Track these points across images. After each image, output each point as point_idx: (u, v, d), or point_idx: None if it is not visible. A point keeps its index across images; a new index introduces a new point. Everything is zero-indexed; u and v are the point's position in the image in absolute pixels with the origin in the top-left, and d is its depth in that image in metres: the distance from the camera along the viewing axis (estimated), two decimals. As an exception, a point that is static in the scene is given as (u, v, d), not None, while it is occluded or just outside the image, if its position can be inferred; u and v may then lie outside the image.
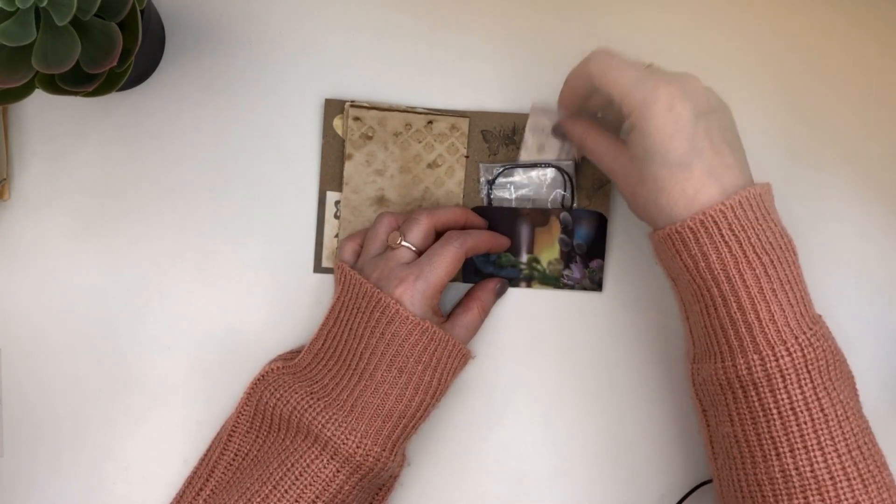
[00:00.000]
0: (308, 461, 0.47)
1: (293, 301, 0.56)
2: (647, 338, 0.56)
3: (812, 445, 0.43)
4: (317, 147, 0.56)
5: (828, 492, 0.42)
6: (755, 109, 0.57)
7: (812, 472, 0.43)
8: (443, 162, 0.56)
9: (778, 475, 0.43)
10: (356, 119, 0.55)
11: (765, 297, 0.43)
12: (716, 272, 0.44)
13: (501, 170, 0.56)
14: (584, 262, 0.56)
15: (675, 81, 0.45)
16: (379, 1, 0.57)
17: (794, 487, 0.43)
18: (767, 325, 0.43)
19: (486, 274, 0.56)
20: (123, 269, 0.56)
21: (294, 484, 0.47)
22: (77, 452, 0.55)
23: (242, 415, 0.52)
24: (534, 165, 0.56)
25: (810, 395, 0.43)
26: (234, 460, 0.52)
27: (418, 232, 0.51)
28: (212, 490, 0.52)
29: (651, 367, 0.56)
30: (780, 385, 0.43)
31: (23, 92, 0.47)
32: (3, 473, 0.55)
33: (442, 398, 0.51)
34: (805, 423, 0.43)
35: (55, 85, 0.46)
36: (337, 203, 0.56)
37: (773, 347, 0.43)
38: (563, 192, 0.56)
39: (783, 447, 0.43)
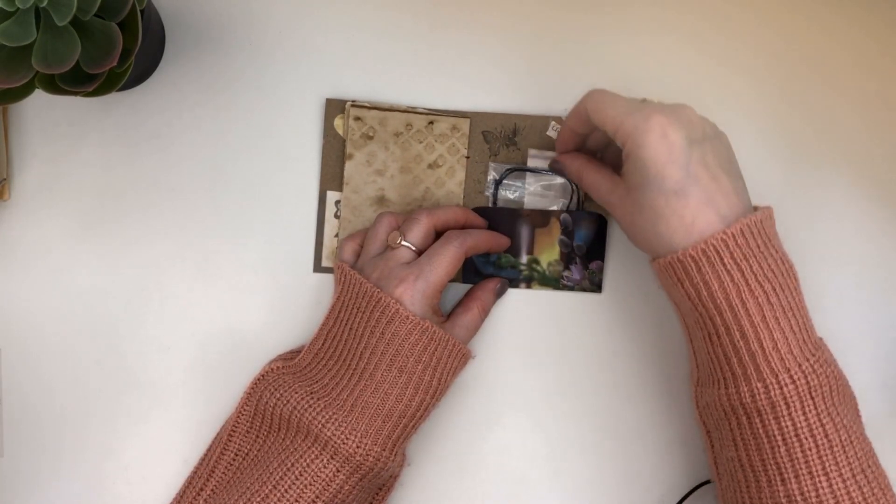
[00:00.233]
0: (308, 461, 0.47)
1: (293, 301, 0.56)
2: (646, 339, 0.56)
3: (817, 471, 0.43)
4: (317, 147, 0.56)
5: None
6: (756, 109, 0.57)
7: (817, 497, 0.43)
8: (443, 162, 0.56)
9: (783, 500, 0.44)
10: (357, 119, 0.55)
11: (767, 325, 0.43)
12: (718, 301, 0.44)
13: (510, 171, 0.56)
14: (583, 264, 0.56)
15: (668, 111, 0.45)
16: (380, 1, 0.57)
17: None
18: (771, 353, 0.43)
19: (486, 274, 0.56)
20: (123, 269, 0.56)
21: (294, 484, 0.47)
22: (77, 452, 0.55)
23: (242, 415, 0.52)
24: (542, 171, 0.56)
25: (814, 422, 0.43)
26: (234, 460, 0.52)
27: (418, 232, 0.51)
28: (212, 490, 0.52)
29: (650, 368, 0.56)
30: (785, 412, 0.43)
31: (23, 92, 0.47)
32: (3, 473, 0.55)
33: (442, 398, 0.51)
34: (809, 448, 0.43)
35: (55, 85, 0.46)
36: (337, 203, 0.56)
37: (777, 375, 0.43)
38: (567, 201, 0.56)
39: (788, 473, 0.43)
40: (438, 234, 0.52)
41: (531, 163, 0.55)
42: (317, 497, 0.47)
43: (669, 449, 0.55)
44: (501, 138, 0.56)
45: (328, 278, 0.56)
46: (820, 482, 0.43)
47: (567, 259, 0.56)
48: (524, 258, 0.56)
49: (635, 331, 0.56)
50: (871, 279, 0.56)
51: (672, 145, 0.44)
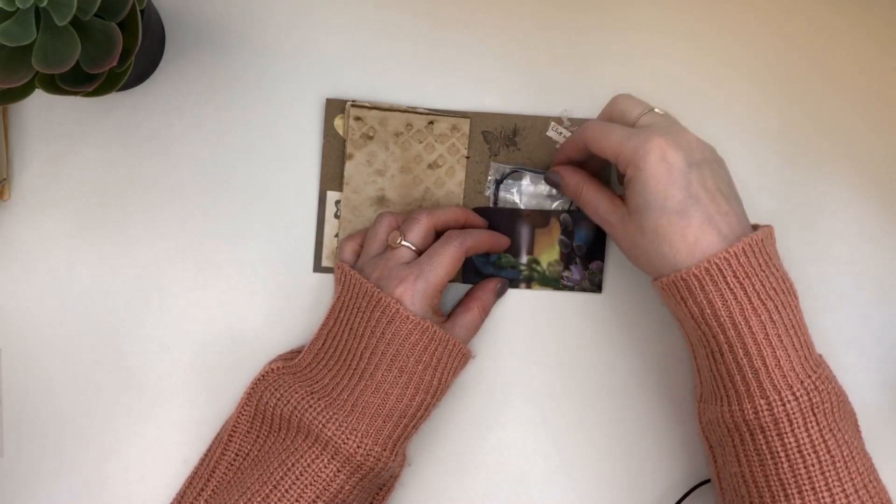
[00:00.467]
0: (308, 461, 0.47)
1: (293, 300, 0.56)
2: (645, 339, 0.56)
3: (820, 487, 0.43)
4: (317, 147, 0.56)
5: None
6: (756, 109, 0.57)
7: None
8: (443, 162, 0.56)
9: None
10: (357, 119, 0.55)
11: (770, 342, 0.44)
12: (721, 319, 0.44)
13: (511, 171, 0.56)
14: (583, 264, 0.56)
15: (666, 133, 0.46)
16: (380, 1, 0.57)
17: None
18: (773, 371, 0.44)
19: (486, 274, 0.56)
20: (123, 269, 0.56)
21: (294, 484, 0.47)
22: (77, 452, 0.55)
23: (243, 415, 0.52)
24: (543, 172, 0.56)
25: (817, 438, 0.44)
26: (234, 460, 0.52)
27: (418, 231, 0.51)
28: (213, 490, 0.52)
29: (650, 368, 0.56)
30: (787, 429, 0.44)
31: (23, 92, 0.47)
32: (3, 473, 0.55)
33: (442, 398, 0.51)
34: (812, 464, 0.43)
35: (55, 85, 0.46)
36: (337, 203, 0.56)
37: (780, 392, 0.44)
38: (569, 202, 0.56)
39: (791, 489, 0.44)
40: (438, 234, 0.52)
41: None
42: (317, 497, 0.47)
43: (669, 448, 0.55)
44: (501, 138, 0.56)
45: (328, 278, 0.56)
46: (823, 497, 0.43)
47: (567, 259, 0.56)
48: (524, 258, 0.56)
49: (635, 331, 0.56)
50: (871, 279, 0.56)
51: (672, 167, 0.45)
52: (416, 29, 0.56)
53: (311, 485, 0.47)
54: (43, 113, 0.56)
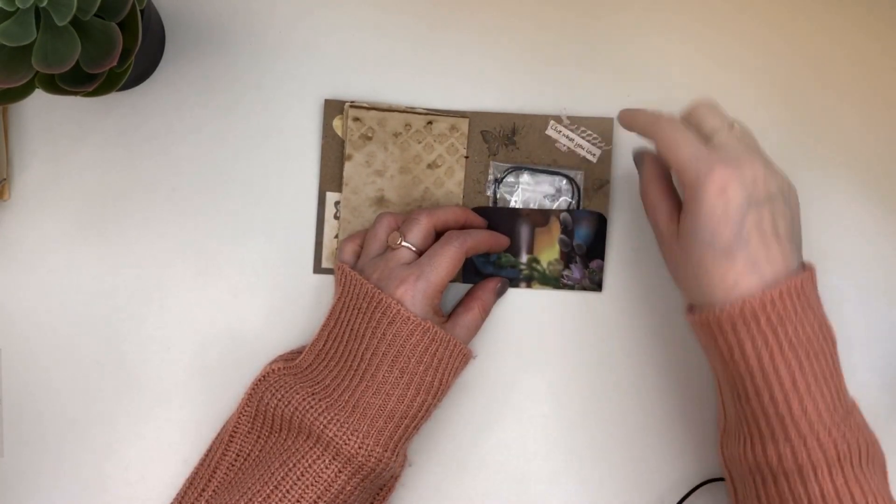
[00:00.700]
0: (310, 462, 0.47)
1: (293, 301, 0.56)
2: (646, 338, 0.56)
3: None
4: (316, 148, 0.56)
5: None
6: (757, 109, 0.57)
7: None
8: (442, 162, 0.56)
9: None
10: (356, 119, 0.55)
11: (798, 391, 0.43)
12: (750, 362, 0.44)
13: (510, 170, 0.56)
14: (583, 263, 0.56)
15: (733, 164, 0.44)
16: (379, 1, 0.57)
17: None
18: (800, 419, 0.43)
19: (486, 274, 0.56)
20: (123, 269, 0.56)
21: (296, 484, 0.47)
22: (77, 452, 0.55)
23: (244, 415, 0.52)
24: (543, 171, 0.56)
25: (842, 487, 0.43)
26: (235, 461, 0.52)
27: (418, 232, 0.51)
28: (213, 491, 0.52)
29: (650, 367, 0.56)
30: (811, 476, 0.43)
31: (23, 92, 0.47)
32: (3, 473, 0.55)
33: (443, 398, 0.51)
34: None
35: (55, 85, 0.46)
36: (337, 204, 0.56)
37: (805, 440, 0.43)
38: (569, 200, 0.56)
39: None
40: (438, 235, 0.52)
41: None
42: (318, 498, 0.47)
43: (670, 448, 0.55)
44: (500, 138, 0.56)
45: (328, 279, 0.56)
46: None
47: (567, 258, 0.56)
48: (524, 257, 0.56)
49: (636, 330, 0.56)
50: (871, 279, 0.56)
51: (728, 204, 0.43)
52: (414, 29, 0.57)
53: (312, 485, 0.47)
54: (43, 113, 0.56)
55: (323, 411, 0.48)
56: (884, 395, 0.56)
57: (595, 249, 0.56)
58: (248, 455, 0.51)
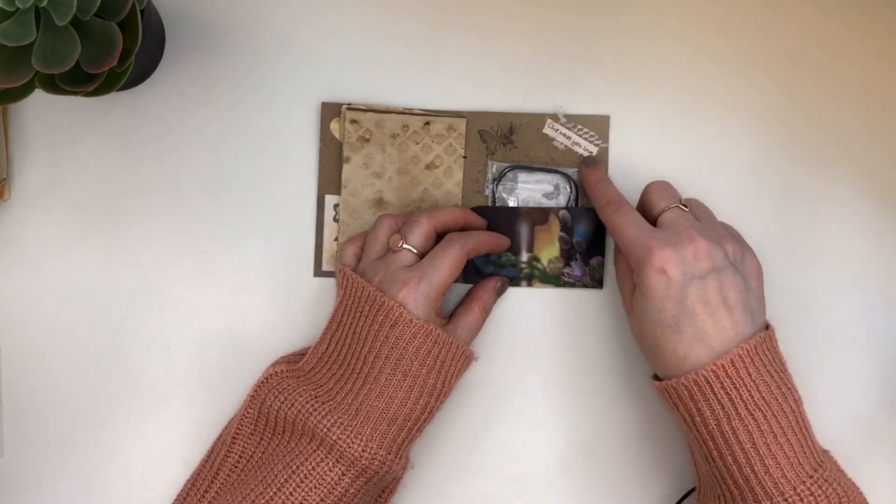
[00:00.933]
0: (313, 464, 0.47)
1: (294, 304, 0.56)
2: (647, 337, 0.56)
3: None
4: (315, 150, 0.56)
5: None
6: (757, 109, 0.57)
7: None
8: (441, 163, 0.56)
9: None
10: (353, 122, 0.55)
11: (758, 451, 0.45)
12: (710, 427, 0.45)
13: (508, 169, 0.56)
14: (584, 260, 0.56)
15: (671, 243, 0.47)
16: (375, 4, 0.57)
17: None
18: (764, 479, 0.45)
19: (487, 274, 0.56)
20: (123, 269, 0.56)
21: (299, 486, 0.47)
22: (77, 452, 0.55)
23: (246, 417, 0.52)
24: (541, 169, 0.56)
25: None
26: (237, 463, 0.52)
27: (419, 234, 0.51)
28: (216, 492, 0.52)
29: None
30: None
31: (23, 92, 0.47)
32: (3, 473, 0.55)
33: (446, 400, 0.51)
34: None
35: (55, 85, 0.46)
36: (336, 206, 0.56)
37: (772, 499, 0.44)
38: (567, 197, 0.56)
39: None
40: (439, 236, 0.52)
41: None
42: (321, 500, 0.47)
43: (672, 448, 0.55)
44: (498, 137, 0.56)
45: (328, 282, 0.56)
46: None
47: (567, 256, 0.56)
48: (524, 256, 0.56)
49: (635, 330, 0.56)
50: (871, 279, 0.56)
51: (669, 281, 0.46)
52: (411, 30, 0.56)
53: (315, 488, 0.47)
54: (43, 113, 0.56)
55: (326, 414, 0.48)
56: (884, 395, 0.56)
57: (595, 246, 0.56)
58: (251, 457, 0.51)
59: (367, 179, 0.55)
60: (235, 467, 0.52)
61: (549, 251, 0.56)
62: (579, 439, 0.56)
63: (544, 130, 0.56)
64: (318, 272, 0.56)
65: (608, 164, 0.56)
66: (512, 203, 0.56)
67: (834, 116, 0.57)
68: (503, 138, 0.56)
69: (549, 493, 0.55)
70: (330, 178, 0.56)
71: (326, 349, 0.51)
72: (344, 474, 0.47)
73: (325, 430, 0.47)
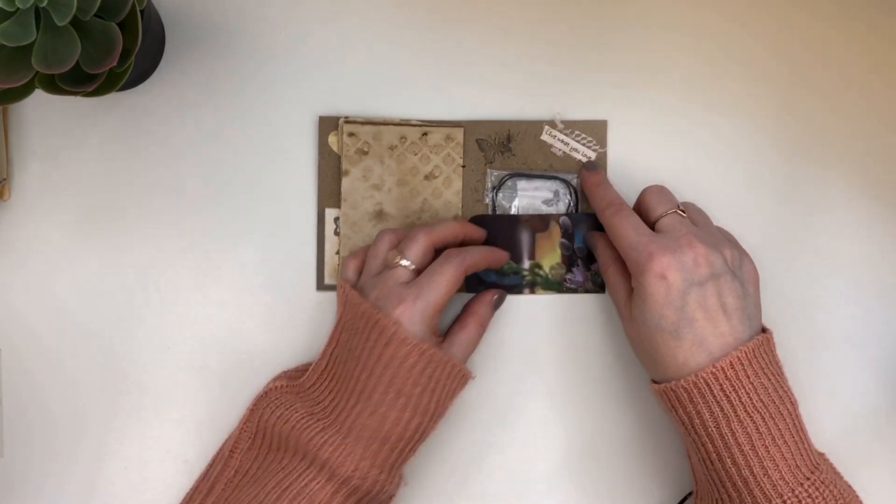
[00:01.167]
0: (305, 482, 0.47)
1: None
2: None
3: None
4: (314, 163, 0.56)
5: None
6: (757, 108, 0.57)
7: None
8: (440, 173, 0.55)
9: None
10: (351, 135, 0.55)
11: (757, 453, 0.45)
12: (709, 429, 0.46)
13: (507, 177, 0.56)
14: (585, 265, 0.56)
15: (671, 249, 0.47)
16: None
17: None
18: (762, 480, 0.45)
19: (490, 283, 0.55)
20: (123, 270, 0.56)
21: None
22: (77, 453, 0.55)
23: (244, 431, 0.52)
24: (540, 176, 0.56)
25: None
26: (233, 478, 0.51)
27: (417, 250, 0.50)
28: None
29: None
30: None
31: (23, 92, 0.47)
32: (3, 473, 0.55)
33: (440, 420, 0.50)
34: None
35: (55, 85, 0.46)
36: (336, 220, 0.56)
37: (770, 501, 0.45)
38: (567, 203, 0.56)
39: None
40: (438, 251, 0.52)
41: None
42: None
43: (672, 451, 0.55)
44: (496, 145, 0.56)
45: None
46: None
47: (569, 262, 0.56)
48: (526, 264, 0.56)
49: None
50: (871, 279, 0.56)
51: (669, 288, 0.46)
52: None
53: None
54: (43, 113, 0.56)
55: (319, 432, 0.48)
56: (883, 396, 0.56)
57: (596, 251, 0.56)
58: (247, 472, 0.51)
59: (367, 192, 0.55)
60: (231, 482, 0.51)
61: (550, 258, 0.56)
62: (582, 442, 0.56)
63: (542, 137, 0.56)
64: (321, 286, 0.56)
65: (607, 168, 0.56)
66: (512, 211, 0.56)
67: (835, 115, 0.57)
68: (501, 146, 0.56)
69: (551, 494, 0.55)
70: (330, 192, 0.55)
71: (326, 366, 0.51)
72: (335, 493, 0.47)
73: (317, 447, 0.47)
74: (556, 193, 0.56)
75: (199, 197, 0.56)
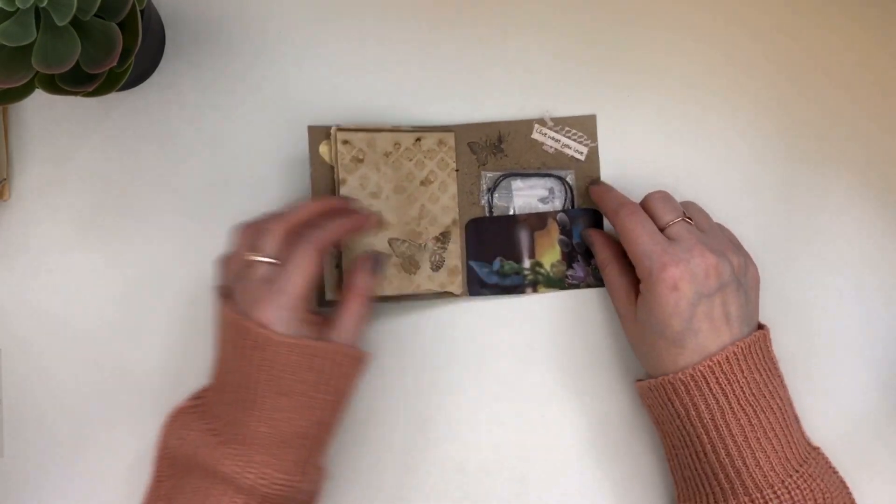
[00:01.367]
0: (216, 499, 0.46)
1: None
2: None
3: None
4: (307, 173, 0.55)
5: None
6: (757, 108, 0.57)
7: None
8: (435, 178, 0.55)
9: None
10: (345, 142, 0.54)
11: (750, 445, 0.46)
12: (705, 421, 0.47)
13: (502, 178, 0.56)
14: (585, 260, 0.56)
15: (684, 261, 0.47)
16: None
17: None
18: (754, 471, 0.46)
19: (491, 285, 0.55)
20: (123, 269, 0.56)
21: None
22: (77, 452, 0.55)
23: (162, 459, 0.50)
24: (534, 175, 0.56)
25: None
26: None
27: (271, 241, 0.47)
28: None
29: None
30: None
31: (23, 92, 0.47)
32: (3, 473, 0.55)
33: (346, 407, 0.49)
34: None
35: (55, 85, 0.46)
36: None
37: (762, 491, 0.46)
38: (563, 200, 0.56)
39: None
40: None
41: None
42: None
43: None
44: (488, 147, 0.56)
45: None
46: None
47: (569, 258, 0.56)
48: (527, 263, 0.56)
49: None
50: (872, 279, 0.56)
51: (679, 300, 0.47)
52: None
53: None
54: (43, 113, 0.56)
55: (216, 447, 0.46)
56: (884, 395, 0.56)
57: (595, 246, 0.56)
58: (170, 499, 0.49)
59: (365, 201, 0.54)
60: None
61: (550, 255, 0.56)
62: (576, 440, 0.56)
63: (533, 136, 0.56)
64: (322, 303, 0.54)
65: (598, 162, 0.56)
66: (509, 211, 0.56)
67: (835, 115, 0.57)
68: (493, 148, 0.56)
69: (550, 494, 0.55)
70: None
71: (219, 381, 0.49)
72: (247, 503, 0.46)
73: (218, 462, 0.46)
74: (552, 191, 0.56)
75: (198, 197, 0.56)
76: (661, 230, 0.50)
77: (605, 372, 0.56)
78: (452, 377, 0.56)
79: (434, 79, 0.57)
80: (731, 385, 0.47)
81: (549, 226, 0.56)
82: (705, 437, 0.47)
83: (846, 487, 0.49)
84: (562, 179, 0.56)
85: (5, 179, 0.55)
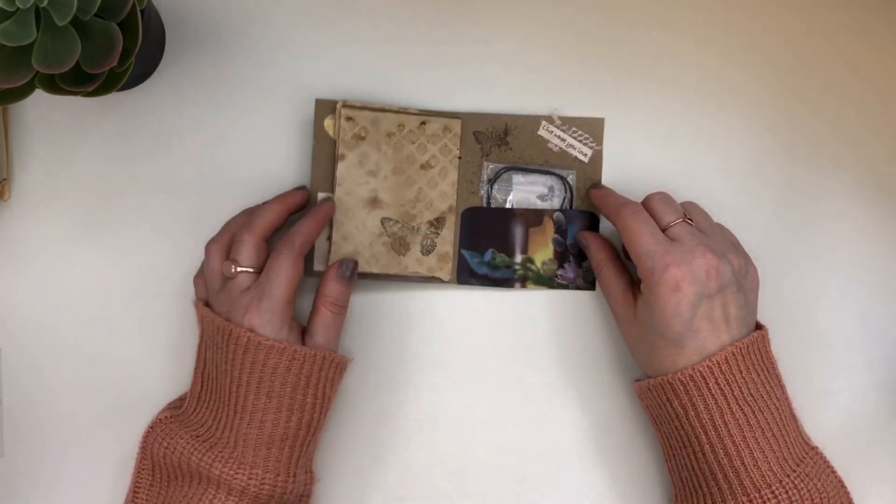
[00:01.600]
0: (207, 502, 0.47)
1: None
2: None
3: None
4: (310, 147, 0.56)
5: None
6: (757, 109, 0.57)
7: None
8: (436, 163, 0.55)
9: None
10: (349, 119, 0.55)
11: (748, 444, 0.47)
12: (703, 421, 0.47)
13: (503, 170, 0.56)
14: (577, 262, 0.56)
15: (686, 262, 0.48)
16: (374, 3, 0.56)
17: None
18: (752, 471, 0.46)
19: (481, 275, 0.56)
20: (123, 269, 0.56)
21: None
22: (77, 452, 0.55)
23: (142, 469, 0.52)
24: (536, 171, 0.56)
25: None
26: None
27: (247, 252, 0.50)
28: None
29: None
30: None
31: (23, 92, 0.47)
32: (3, 473, 0.55)
33: (327, 410, 0.51)
34: None
35: (55, 85, 0.46)
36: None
37: (760, 491, 0.46)
38: (562, 199, 0.56)
39: None
40: (272, 241, 0.51)
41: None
42: None
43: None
44: (493, 138, 0.56)
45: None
46: None
47: (561, 258, 0.56)
48: (518, 258, 0.56)
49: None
50: (871, 279, 0.56)
51: (680, 301, 0.47)
52: (408, 30, 0.57)
53: None
54: (43, 113, 0.56)
55: (206, 452, 0.48)
56: (882, 395, 0.56)
57: (589, 248, 0.56)
58: None
59: (362, 178, 0.55)
60: None
61: (542, 253, 0.56)
62: (576, 439, 0.56)
63: (539, 132, 0.56)
64: (310, 272, 0.55)
65: (602, 165, 0.56)
66: (507, 204, 0.56)
67: (835, 115, 0.57)
68: (498, 139, 0.56)
69: (548, 494, 0.55)
70: (323, 176, 0.56)
71: (201, 388, 0.51)
72: None
73: (208, 467, 0.47)
74: (552, 189, 0.56)
75: (198, 197, 0.56)
76: (662, 231, 0.50)
77: (604, 372, 0.56)
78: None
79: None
80: (729, 385, 0.47)
81: (544, 223, 0.56)
82: (703, 437, 0.47)
83: (844, 487, 0.50)
84: (563, 179, 0.56)
85: (5, 179, 0.55)
